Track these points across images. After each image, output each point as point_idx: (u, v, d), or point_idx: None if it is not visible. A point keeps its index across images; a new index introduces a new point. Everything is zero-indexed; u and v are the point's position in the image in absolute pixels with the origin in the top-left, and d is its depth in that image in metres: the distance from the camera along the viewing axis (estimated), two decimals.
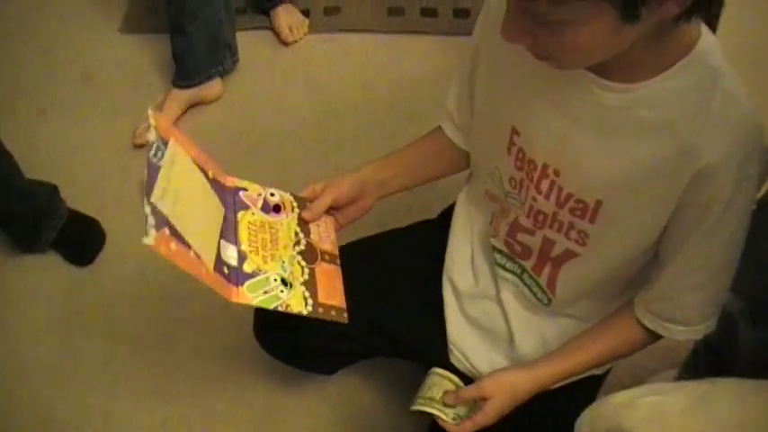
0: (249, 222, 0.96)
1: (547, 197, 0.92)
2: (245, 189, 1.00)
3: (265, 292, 0.91)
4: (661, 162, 0.81)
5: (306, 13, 2.12)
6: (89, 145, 1.86)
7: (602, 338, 0.99)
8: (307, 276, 0.95)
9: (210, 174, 0.95)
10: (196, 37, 1.79)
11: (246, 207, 0.98)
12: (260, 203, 0.99)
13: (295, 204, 1.02)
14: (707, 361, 1.26)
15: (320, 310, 0.93)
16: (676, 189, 0.82)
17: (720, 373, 1.16)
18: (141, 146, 1.82)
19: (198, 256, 0.85)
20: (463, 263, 1.12)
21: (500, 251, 1.05)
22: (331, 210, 1.04)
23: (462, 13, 2.12)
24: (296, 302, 0.92)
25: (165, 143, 0.88)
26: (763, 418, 0.74)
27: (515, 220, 0.99)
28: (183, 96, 1.87)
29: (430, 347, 1.13)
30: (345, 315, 0.95)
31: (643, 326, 0.96)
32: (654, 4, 0.66)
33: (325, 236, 1.02)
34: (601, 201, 0.88)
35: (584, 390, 1.05)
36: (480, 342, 1.10)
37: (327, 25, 2.11)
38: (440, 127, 1.09)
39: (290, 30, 2.04)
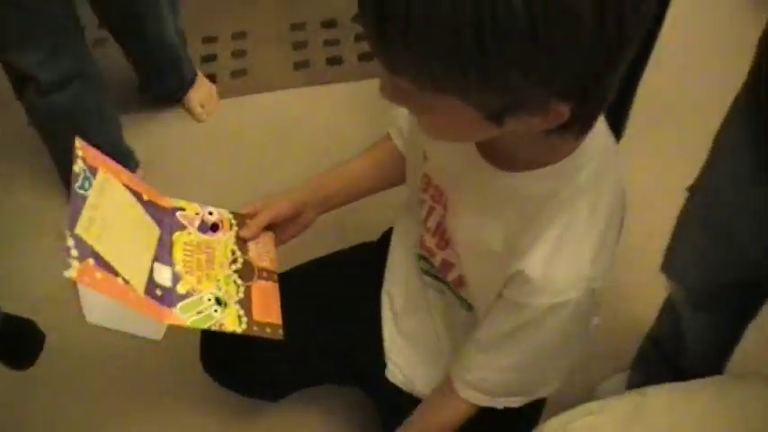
0: (185, 243, 0.96)
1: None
2: (183, 209, 1.00)
3: (198, 313, 0.90)
4: (506, 249, 0.81)
5: (212, 77, 2.12)
6: (15, 244, 1.82)
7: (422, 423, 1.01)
8: (242, 294, 0.95)
9: (145, 197, 0.95)
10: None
11: (183, 227, 0.97)
12: (197, 223, 0.99)
13: (234, 222, 1.02)
14: (656, 357, 1.30)
15: (255, 327, 0.93)
16: (503, 273, 0.81)
17: (671, 368, 1.21)
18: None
19: (126, 282, 0.84)
20: (400, 275, 1.12)
21: (425, 260, 1.04)
22: (271, 226, 1.04)
23: (367, 57, 2.17)
24: (230, 321, 0.91)
25: (94, 172, 0.88)
26: (695, 422, 0.77)
27: (423, 240, 1.00)
28: None
29: (369, 364, 1.13)
30: (281, 332, 0.95)
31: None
32: (518, 116, 0.63)
33: (264, 253, 1.02)
34: (460, 255, 0.91)
35: (526, 413, 1.01)
36: (415, 355, 1.11)
37: (236, 89, 2.12)
38: (387, 135, 1.09)
39: (203, 106, 2.03)
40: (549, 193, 0.76)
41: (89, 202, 0.84)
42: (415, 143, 0.98)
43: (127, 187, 0.93)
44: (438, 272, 1.02)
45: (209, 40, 2.24)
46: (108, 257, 0.83)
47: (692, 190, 1.03)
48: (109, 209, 0.87)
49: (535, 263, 0.76)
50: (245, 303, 0.95)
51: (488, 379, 0.90)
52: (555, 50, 0.54)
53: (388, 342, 1.14)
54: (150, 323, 1.79)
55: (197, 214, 1.00)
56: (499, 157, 0.78)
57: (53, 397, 1.58)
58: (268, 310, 0.96)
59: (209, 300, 0.92)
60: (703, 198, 1.01)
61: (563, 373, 0.91)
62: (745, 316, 1.12)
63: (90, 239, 0.82)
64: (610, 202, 0.78)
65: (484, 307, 0.92)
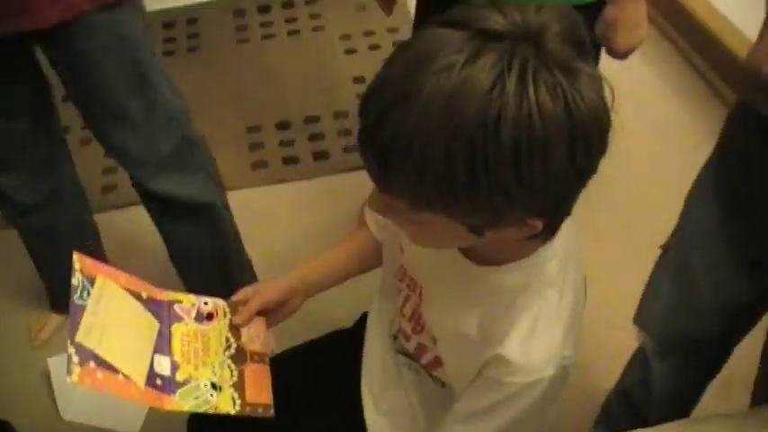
0: (182, 333, 1.01)
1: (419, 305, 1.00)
2: (180, 301, 1.05)
3: (196, 398, 0.96)
4: (481, 337, 0.88)
5: None
6: None
7: None
8: (236, 378, 1.01)
9: (144, 294, 1.00)
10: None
11: (180, 319, 1.03)
12: (193, 313, 1.04)
13: (228, 310, 1.07)
14: (622, 409, 1.36)
15: (247, 408, 0.98)
16: (480, 358, 0.88)
17: (637, 420, 1.28)
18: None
19: (127, 378, 0.89)
20: (375, 356, 1.17)
21: (399, 341, 1.10)
22: (262, 311, 1.09)
23: (322, 156, 2.27)
24: (224, 404, 0.97)
25: (92, 280, 0.93)
26: None
27: (399, 325, 1.07)
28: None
29: None
30: (272, 411, 1.01)
31: None
32: (497, 230, 0.73)
33: (256, 337, 1.07)
34: (437, 340, 0.97)
35: None
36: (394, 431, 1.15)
37: None
38: (365, 224, 1.16)
39: None
40: (522, 284, 0.84)
41: (88, 310, 0.90)
42: (392, 236, 1.05)
43: (126, 288, 0.98)
44: (413, 355, 1.08)
45: None
46: (108, 358, 0.88)
47: (665, 248, 1.13)
48: (108, 312, 0.93)
49: (513, 347, 0.83)
50: (239, 386, 1.00)
51: None
52: (535, 180, 0.65)
53: (370, 423, 1.18)
54: (127, 418, 1.80)
55: (193, 305, 1.06)
56: (475, 254, 0.87)
57: None
58: (260, 391, 1.02)
59: (206, 385, 0.98)
60: (674, 255, 1.12)
61: None
62: (710, 368, 1.21)
63: (90, 344, 0.87)
64: (575, 287, 0.87)
65: (458, 386, 0.98)
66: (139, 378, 0.91)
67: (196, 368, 0.98)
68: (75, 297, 0.90)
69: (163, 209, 1.59)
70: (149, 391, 0.91)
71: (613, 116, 0.68)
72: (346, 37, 2.72)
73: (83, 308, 0.90)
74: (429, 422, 1.11)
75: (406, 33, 2.43)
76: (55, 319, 1.88)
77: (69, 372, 0.83)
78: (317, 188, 2.16)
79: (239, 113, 2.43)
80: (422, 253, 0.94)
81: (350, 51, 2.66)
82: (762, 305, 1.07)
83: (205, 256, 1.69)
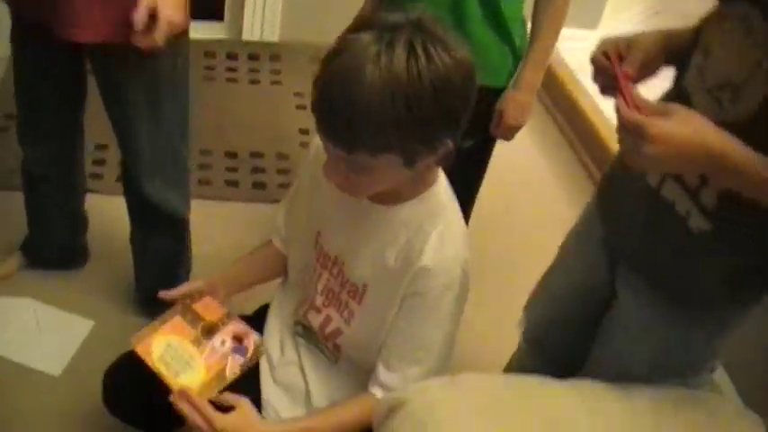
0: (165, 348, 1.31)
1: (336, 279, 1.32)
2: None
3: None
4: (402, 261, 1.22)
5: None
6: None
7: (341, 411, 1.28)
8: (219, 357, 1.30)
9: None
10: None
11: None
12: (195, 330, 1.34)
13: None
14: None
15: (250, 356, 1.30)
16: (404, 281, 1.20)
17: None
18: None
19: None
20: (274, 340, 1.46)
21: (301, 326, 1.41)
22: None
23: (260, 186, 2.60)
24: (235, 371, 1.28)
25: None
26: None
27: (312, 301, 1.37)
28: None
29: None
30: (262, 349, 1.35)
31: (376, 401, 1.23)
32: (424, 157, 1.09)
33: (213, 308, 1.37)
34: (367, 285, 1.28)
35: None
36: (286, 399, 1.41)
37: None
38: (270, 241, 1.49)
39: None
40: (425, 212, 1.20)
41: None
42: (307, 231, 1.37)
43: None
44: (316, 329, 1.39)
45: None
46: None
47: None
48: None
49: (429, 256, 1.17)
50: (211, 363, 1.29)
51: (404, 375, 1.22)
52: (450, 107, 1.05)
53: (264, 388, 1.44)
54: (51, 359, 2.02)
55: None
56: (384, 200, 1.22)
57: None
58: (247, 333, 1.33)
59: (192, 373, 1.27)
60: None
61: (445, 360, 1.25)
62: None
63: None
64: (460, 215, 1.26)
65: (353, 351, 1.32)
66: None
67: (184, 371, 1.27)
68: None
69: (143, 213, 1.89)
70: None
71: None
72: (299, 94, 3.11)
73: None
74: (319, 399, 1.39)
75: None
76: (14, 258, 2.12)
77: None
78: (252, 210, 2.49)
79: (193, 137, 2.73)
80: (340, 224, 1.29)
81: (300, 107, 3.05)
82: (609, 291, 1.34)
83: (166, 259, 1.99)
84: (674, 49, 1.15)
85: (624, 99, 0.97)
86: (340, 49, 1.04)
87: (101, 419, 1.51)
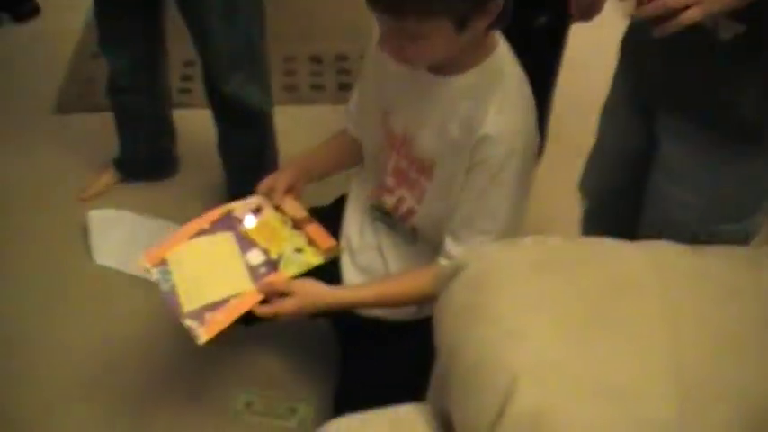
0: (252, 229, 1.31)
1: (405, 158, 1.31)
2: (232, 210, 1.35)
3: (293, 263, 1.26)
4: (465, 132, 1.19)
5: None
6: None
7: (400, 282, 1.31)
8: (306, 239, 1.31)
9: (206, 225, 1.30)
10: None
11: (241, 220, 1.33)
12: (248, 212, 1.35)
13: (264, 200, 1.37)
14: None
15: (327, 254, 1.30)
16: (467, 152, 1.19)
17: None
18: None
19: (238, 294, 1.17)
20: (354, 226, 1.48)
21: (378, 210, 1.42)
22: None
23: (345, 87, 2.58)
24: (312, 258, 1.29)
25: (164, 262, 1.21)
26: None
27: (384, 183, 1.37)
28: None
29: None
30: (340, 248, 1.36)
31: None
32: (475, 19, 1.06)
33: (296, 209, 1.37)
34: (434, 160, 1.26)
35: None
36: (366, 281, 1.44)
37: None
38: (344, 129, 1.47)
39: None
40: (485, 82, 1.18)
41: (176, 282, 1.17)
42: (374, 112, 1.35)
43: (190, 238, 1.26)
44: (391, 211, 1.39)
45: None
46: (215, 298, 1.16)
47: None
48: (192, 268, 1.21)
49: (490, 124, 1.16)
50: (312, 242, 1.31)
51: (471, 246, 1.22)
52: None
53: (345, 272, 1.48)
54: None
55: (242, 207, 1.36)
56: (447, 69, 1.19)
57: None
58: (325, 239, 1.33)
59: (293, 252, 1.29)
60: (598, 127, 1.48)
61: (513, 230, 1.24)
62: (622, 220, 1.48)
63: (196, 305, 1.14)
64: (524, 83, 1.21)
65: (427, 228, 1.32)
66: (247, 284, 1.20)
67: (279, 245, 1.29)
68: (162, 287, 1.17)
69: (226, 111, 1.91)
70: (258, 285, 1.21)
71: None
72: None
73: (172, 287, 1.16)
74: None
75: None
76: (109, 175, 2.20)
77: (197, 338, 1.10)
78: (339, 113, 2.45)
79: (277, 45, 2.73)
80: (404, 101, 1.27)
81: None
82: (650, 149, 1.32)
83: (252, 155, 2.02)
84: None
85: None
86: None
87: None
